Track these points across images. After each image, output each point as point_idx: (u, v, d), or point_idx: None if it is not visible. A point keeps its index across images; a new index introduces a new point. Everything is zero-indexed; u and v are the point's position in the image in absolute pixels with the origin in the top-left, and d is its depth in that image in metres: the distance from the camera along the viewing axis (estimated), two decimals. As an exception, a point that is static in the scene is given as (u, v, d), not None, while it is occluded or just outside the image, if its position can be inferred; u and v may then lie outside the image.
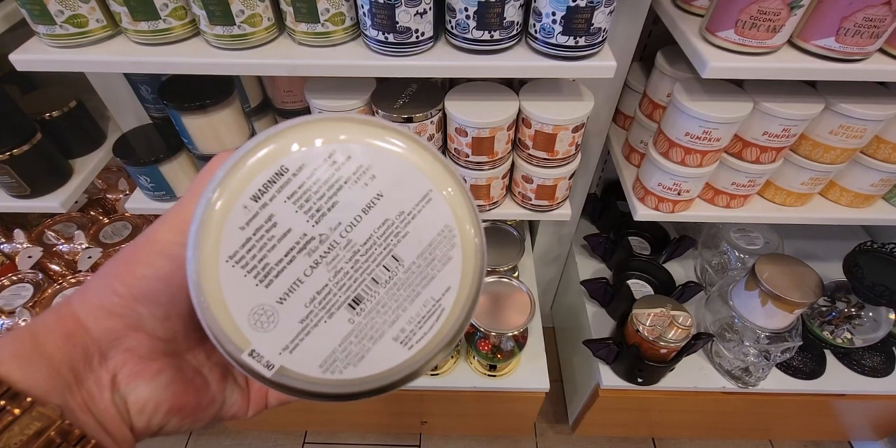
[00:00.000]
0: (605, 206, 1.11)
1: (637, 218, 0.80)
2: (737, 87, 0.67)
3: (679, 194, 0.74)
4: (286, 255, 0.20)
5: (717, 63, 0.57)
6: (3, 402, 0.18)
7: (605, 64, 0.57)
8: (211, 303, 0.19)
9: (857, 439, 1.31)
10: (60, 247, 0.98)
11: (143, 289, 0.21)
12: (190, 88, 0.68)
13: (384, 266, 0.21)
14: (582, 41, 0.55)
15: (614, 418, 1.12)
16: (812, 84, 0.68)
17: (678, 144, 0.68)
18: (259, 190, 0.19)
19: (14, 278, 0.96)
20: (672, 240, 1.03)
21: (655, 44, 0.86)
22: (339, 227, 0.20)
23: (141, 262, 0.21)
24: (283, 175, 0.19)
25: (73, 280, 0.95)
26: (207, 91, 0.67)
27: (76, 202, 1.03)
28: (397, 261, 0.21)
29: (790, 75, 0.58)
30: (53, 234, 0.99)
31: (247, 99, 0.76)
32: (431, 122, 0.66)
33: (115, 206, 1.07)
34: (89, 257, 0.97)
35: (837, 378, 0.97)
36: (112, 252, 0.98)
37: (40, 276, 0.96)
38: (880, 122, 0.65)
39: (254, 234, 0.19)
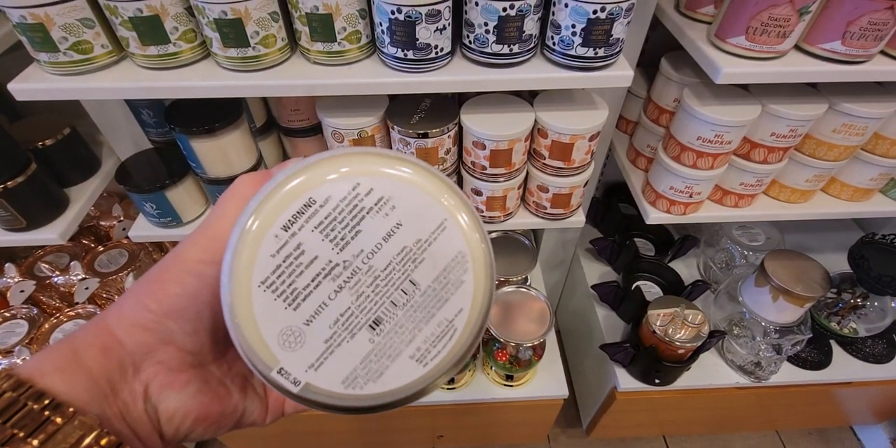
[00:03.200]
0: (607, 208, 1.12)
1: (649, 221, 0.81)
2: (743, 90, 0.69)
3: (691, 197, 0.75)
4: (313, 281, 0.21)
5: (730, 69, 0.58)
6: (47, 413, 0.19)
7: (622, 73, 0.58)
8: (243, 325, 0.21)
9: (858, 423, 1.35)
10: (55, 279, 0.94)
11: (174, 305, 0.22)
12: (196, 111, 0.66)
13: (402, 290, 0.22)
14: (601, 52, 0.55)
15: (629, 420, 1.12)
16: (813, 85, 0.70)
17: (690, 148, 0.70)
18: (289, 220, 0.21)
19: (7, 314, 0.91)
20: (677, 240, 1.04)
21: (653, 50, 0.87)
22: (361, 254, 0.22)
23: (171, 280, 0.23)
24: (310, 206, 0.21)
25: (71, 313, 0.91)
26: (214, 113, 0.65)
27: (67, 231, 0.99)
28: (414, 285, 0.22)
29: (800, 78, 0.59)
30: (47, 266, 0.94)
31: (252, 118, 0.75)
32: (448, 136, 0.66)
33: (108, 233, 1.03)
34: (86, 288, 0.93)
35: (843, 367, 0.99)
36: (110, 282, 0.94)
37: (35, 310, 0.92)
38: (880, 119, 0.67)
39: (283, 261, 0.21)
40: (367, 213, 0.21)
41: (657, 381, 0.94)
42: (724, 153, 0.69)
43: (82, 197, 0.80)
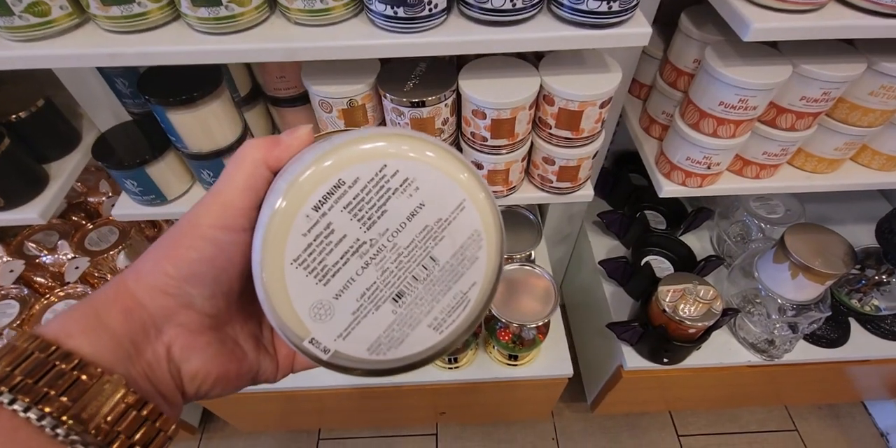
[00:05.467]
0: (617, 179, 1.06)
1: (663, 195, 0.76)
2: (771, 48, 0.62)
3: (709, 168, 0.70)
4: (342, 258, 0.22)
5: (761, 24, 0.51)
6: (76, 372, 0.20)
7: (639, 31, 0.52)
8: (277, 300, 0.22)
9: (870, 399, 1.32)
10: (44, 258, 0.91)
11: (192, 271, 0.23)
12: (173, 80, 0.60)
13: (423, 265, 0.23)
14: (616, 6, 0.49)
15: (635, 397, 1.11)
16: (849, 42, 0.63)
17: (710, 115, 0.64)
18: (319, 201, 0.21)
19: (-3, 295, 0.89)
20: (690, 212, 0.99)
21: (668, 5, 0.79)
22: (386, 232, 0.23)
23: (187, 245, 0.23)
24: (340, 187, 0.22)
25: (61, 293, 0.88)
26: (193, 82, 0.60)
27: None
28: (434, 261, 0.24)
29: (840, 34, 0.53)
30: (34, 245, 0.91)
31: (235, 87, 0.69)
32: (446, 105, 0.60)
33: (98, 210, 1.00)
34: (76, 267, 0.90)
35: (861, 344, 0.95)
36: (101, 261, 0.91)
37: (26, 291, 0.89)
38: (923, 80, 0.61)
39: (314, 240, 0.22)
40: (393, 193, 0.22)
41: (665, 360, 0.91)
42: (748, 120, 0.64)
43: (63, 173, 0.76)
